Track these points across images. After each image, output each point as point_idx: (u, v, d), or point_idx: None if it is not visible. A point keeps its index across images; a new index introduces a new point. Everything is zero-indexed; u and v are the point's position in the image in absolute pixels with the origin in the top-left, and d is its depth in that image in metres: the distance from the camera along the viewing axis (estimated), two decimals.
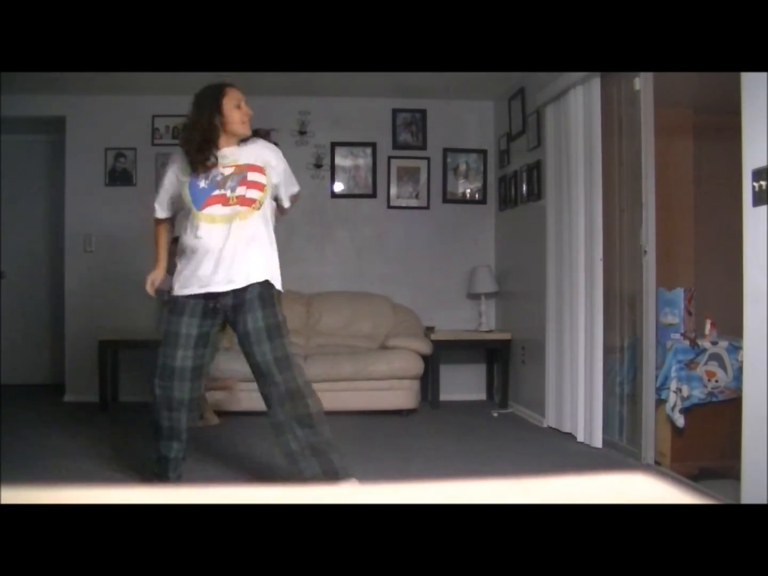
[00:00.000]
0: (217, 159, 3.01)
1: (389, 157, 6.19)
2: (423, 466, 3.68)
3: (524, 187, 5.43)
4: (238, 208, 2.98)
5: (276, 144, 3.28)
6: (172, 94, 5.80)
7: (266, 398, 3.04)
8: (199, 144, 2.99)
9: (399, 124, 6.21)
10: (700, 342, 3.68)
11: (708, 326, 3.78)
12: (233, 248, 2.98)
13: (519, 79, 5.40)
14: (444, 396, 5.70)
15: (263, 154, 3.10)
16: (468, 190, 6.29)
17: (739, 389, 3.08)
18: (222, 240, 2.98)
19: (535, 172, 5.16)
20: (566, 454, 4.12)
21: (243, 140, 3.10)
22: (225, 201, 2.98)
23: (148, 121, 5.95)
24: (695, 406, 3.61)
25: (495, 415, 5.40)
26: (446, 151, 6.23)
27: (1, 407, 4.72)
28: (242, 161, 3.04)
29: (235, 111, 3.04)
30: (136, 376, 5.83)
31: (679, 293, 3.89)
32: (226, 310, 3.05)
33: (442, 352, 5.67)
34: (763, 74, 2.61)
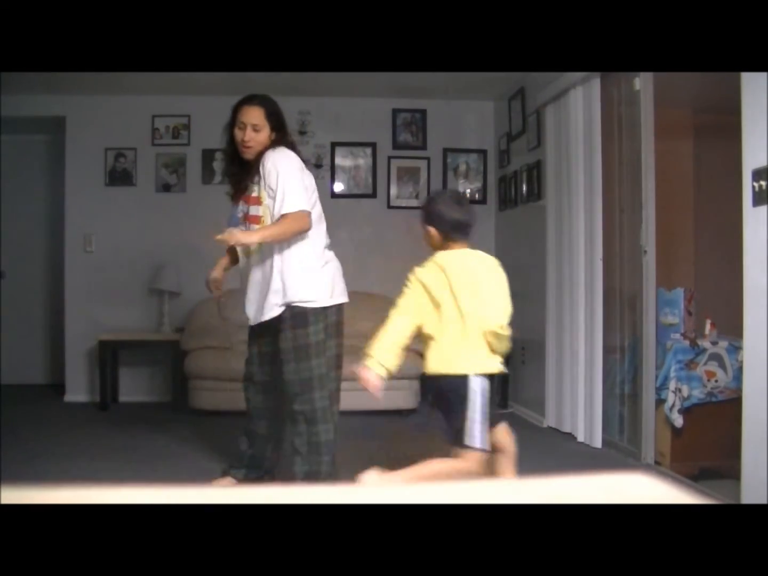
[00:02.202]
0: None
1: (389, 157, 6.18)
2: None
3: (524, 187, 5.42)
4: None
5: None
6: (172, 94, 5.82)
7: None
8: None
9: (399, 124, 6.20)
10: (700, 342, 3.68)
11: (708, 326, 3.78)
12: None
13: (519, 79, 5.39)
14: None
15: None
16: (468, 190, 6.28)
17: (739, 389, 3.07)
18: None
19: (535, 172, 5.16)
20: (566, 454, 4.12)
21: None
22: None
23: (148, 121, 5.94)
24: (695, 406, 3.61)
25: None
26: (446, 151, 6.23)
27: (1, 407, 4.72)
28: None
29: (237, 131, 3.00)
30: (136, 376, 5.85)
31: (679, 293, 3.89)
32: None
33: None
34: (763, 74, 2.61)
